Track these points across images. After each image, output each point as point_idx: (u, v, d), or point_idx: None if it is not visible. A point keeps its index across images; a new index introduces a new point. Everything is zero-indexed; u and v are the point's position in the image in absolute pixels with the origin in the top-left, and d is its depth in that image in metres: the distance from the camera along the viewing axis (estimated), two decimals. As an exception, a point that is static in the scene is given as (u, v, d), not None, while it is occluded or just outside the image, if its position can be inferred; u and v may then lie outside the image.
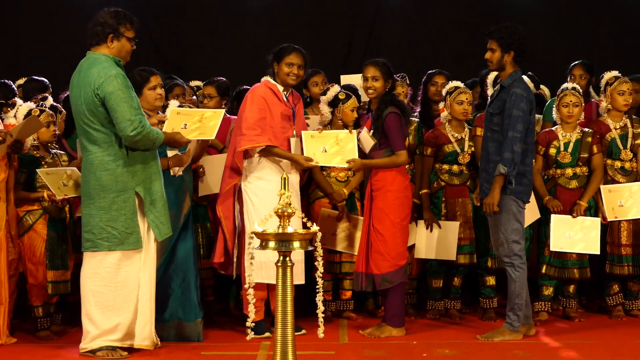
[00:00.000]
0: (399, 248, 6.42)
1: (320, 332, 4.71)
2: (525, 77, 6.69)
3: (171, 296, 6.30)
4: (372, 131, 6.45)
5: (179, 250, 6.34)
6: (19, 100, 6.65)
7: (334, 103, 7.07)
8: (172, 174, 6.28)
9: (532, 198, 6.78)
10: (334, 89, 7.14)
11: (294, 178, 6.51)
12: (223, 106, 7.25)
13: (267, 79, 6.53)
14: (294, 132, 6.52)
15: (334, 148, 6.48)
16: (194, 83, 8.09)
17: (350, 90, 7.28)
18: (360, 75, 6.91)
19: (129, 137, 5.70)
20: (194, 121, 6.22)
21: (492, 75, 7.01)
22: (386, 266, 6.37)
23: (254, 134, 6.34)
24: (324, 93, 7.15)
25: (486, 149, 6.34)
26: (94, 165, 5.78)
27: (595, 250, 6.80)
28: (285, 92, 6.50)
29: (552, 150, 6.94)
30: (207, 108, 7.21)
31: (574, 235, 6.77)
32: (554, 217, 6.80)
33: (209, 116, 6.29)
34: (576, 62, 7.71)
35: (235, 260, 6.49)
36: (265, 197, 6.32)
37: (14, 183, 6.36)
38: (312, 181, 7.07)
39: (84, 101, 5.75)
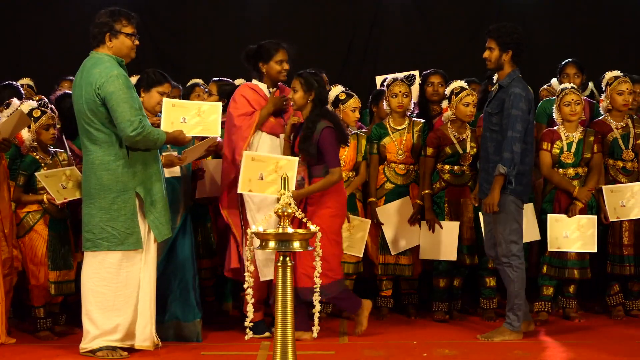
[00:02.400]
0: (335, 263, 6.31)
1: (315, 332, 4.72)
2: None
3: (169, 297, 6.29)
4: (303, 144, 6.25)
5: (176, 251, 6.33)
6: (15, 101, 6.63)
7: (335, 104, 7.08)
8: (165, 174, 6.22)
9: (534, 217, 6.78)
10: (336, 90, 7.14)
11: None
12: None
13: (253, 82, 6.54)
14: (285, 128, 6.51)
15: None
16: (194, 81, 8.09)
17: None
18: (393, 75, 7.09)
19: (129, 137, 5.70)
20: (192, 115, 6.16)
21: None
22: (326, 278, 5.98)
23: (242, 132, 6.36)
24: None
25: (485, 149, 6.34)
26: (94, 165, 5.78)
27: (592, 248, 6.79)
28: (271, 89, 6.51)
29: (555, 150, 6.94)
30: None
31: (571, 234, 6.77)
32: (550, 217, 6.79)
33: (206, 109, 6.22)
34: (568, 60, 7.70)
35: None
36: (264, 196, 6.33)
37: (14, 185, 6.36)
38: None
39: (85, 101, 5.75)
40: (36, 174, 6.31)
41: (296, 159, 6.23)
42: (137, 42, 5.92)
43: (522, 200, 6.31)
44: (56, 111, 6.60)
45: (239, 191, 6.19)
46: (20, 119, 6.11)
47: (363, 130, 7.39)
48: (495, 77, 7.06)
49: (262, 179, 6.14)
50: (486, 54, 6.31)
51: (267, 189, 6.14)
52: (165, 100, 6.22)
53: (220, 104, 6.37)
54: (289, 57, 6.50)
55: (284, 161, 6.19)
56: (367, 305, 6.42)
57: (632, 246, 6.98)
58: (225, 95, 7.41)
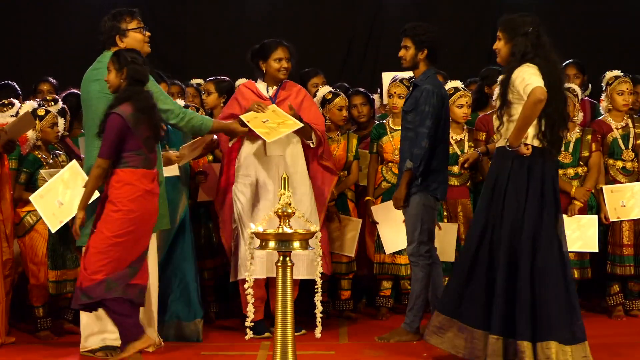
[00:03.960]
0: (99, 262, 5.42)
1: (318, 332, 4.72)
2: None
3: (170, 296, 6.28)
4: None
5: (176, 251, 6.32)
6: (16, 102, 6.66)
7: (322, 104, 7.09)
8: (164, 174, 6.18)
9: None
10: (323, 90, 7.17)
11: (299, 174, 6.47)
12: (222, 104, 7.29)
13: (250, 80, 6.60)
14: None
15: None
16: (195, 81, 8.11)
17: (343, 89, 7.30)
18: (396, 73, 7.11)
19: (174, 126, 5.92)
20: (274, 121, 6.23)
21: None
22: (85, 280, 5.45)
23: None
24: (314, 95, 7.19)
25: (402, 148, 6.31)
26: None
27: (594, 247, 6.79)
28: (273, 87, 6.50)
29: (554, 151, 6.94)
30: (207, 104, 7.31)
31: (571, 234, 6.74)
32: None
33: (290, 123, 6.24)
34: (569, 61, 7.70)
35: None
36: (250, 194, 6.33)
37: (15, 183, 6.37)
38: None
39: (103, 97, 5.70)
40: (41, 171, 6.32)
41: (73, 163, 5.89)
42: (148, 34, 5.97)
43: (437, 198, 6.27)
44: (68, 110, 6.66)
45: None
46: (22, 119, 6.15)
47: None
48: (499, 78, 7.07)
49: (62, 204, 5.85)
50: (401, 52, 6.30)
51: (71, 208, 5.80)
52: (244, 115, 6.23)
53: (300, 124, 6.31)
54: (291, 55, 6.49)
55: (67, 173, 5.93)
56: (144, 341, 5.50)
57: (632, 246, 6.97)
58: (225, 92, 7.44)
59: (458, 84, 7.08)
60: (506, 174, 5.39)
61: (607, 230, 7.03)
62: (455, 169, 7.01)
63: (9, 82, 7.53)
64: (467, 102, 6.98)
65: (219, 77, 7.56)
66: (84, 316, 5.84)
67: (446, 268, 6.96)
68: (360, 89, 7.59)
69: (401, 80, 7.11)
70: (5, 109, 6.57)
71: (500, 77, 5.61)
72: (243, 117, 6.21)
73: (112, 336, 5.81)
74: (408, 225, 6.26)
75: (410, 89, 6.38)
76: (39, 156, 6.46)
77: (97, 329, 5.81)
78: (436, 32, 6.27)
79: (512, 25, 5.53)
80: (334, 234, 6.99)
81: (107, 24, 5.91)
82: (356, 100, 7.44)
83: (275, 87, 6.51)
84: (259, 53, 6.49)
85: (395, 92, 7.07)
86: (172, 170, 6.29)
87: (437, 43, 6.27)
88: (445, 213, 6.99)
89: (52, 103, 6.65)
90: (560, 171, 6.89)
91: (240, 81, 7.90)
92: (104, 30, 5.91)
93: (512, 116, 5.38)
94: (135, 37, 5.91)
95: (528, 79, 5.29)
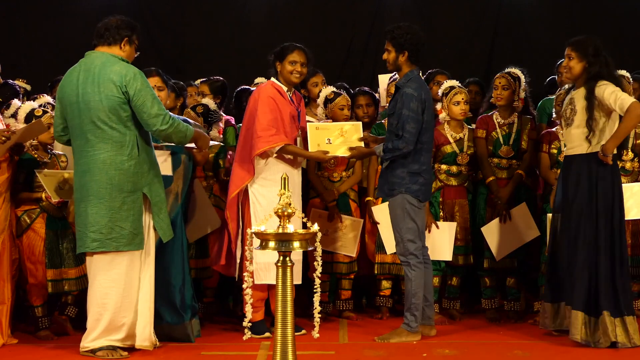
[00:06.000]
0: None
1: (315, 332, 4.72)
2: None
3: (157, 300, 6.21)
4: None
5: (165, 253, 6.25)
6: (16, 101, 6.67)
7: (325, 103, 7.10)
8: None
9: (529, 215, 6.76)
10: (326, 90, 7.17)
11: (297, 178, 6.50)
12: (216, 104, 7.30)
13: (272, 80, 6.53)
14: (299, 133, 6.54)
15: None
16: (199, 81, 8.12)
17: (342, 89, 7.31)
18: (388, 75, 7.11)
19: (161, 132, 5.77)
20: (335, 135, 6.44)
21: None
22: None
23: (269, 134, 6.32)
24: (318, 95, 7.19)
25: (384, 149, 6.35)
26: (106, 165, 5.75)
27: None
28: (289, 92, 6.51)
29: (553, 151, 6.94)
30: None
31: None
32: (549, 217, 6.77)
33: (348, 129, 6.46)
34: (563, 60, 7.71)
35: (238, 261, 6.47)
36: (274, 198, 6.31)
37: (14, 183, 6.38)
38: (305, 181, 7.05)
39: (105, 97, 5.71)
40: (36, 171, 6.33)
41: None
42: (137, 54, 5.99)
43: (419, 200, 6.27)
44: None
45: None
46: (34, 125, 6.22)
47: None
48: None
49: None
50: (384, 56, 6.31)
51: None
52: (309, 124, 6.48)
53: (360, 124, 6.58)
54: (307, 61, 6.50)
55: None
56: None
57: (631, 246, 6.95)
58: (219, 92, 7.44)
59: (453, 83, 7.05)
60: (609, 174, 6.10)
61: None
62: (454, 168, 7.02)
63: (9, 81, 7.53)
64: (463, 99, 6.95)
65: (212, 78, 7.54)
66: (92, 316, 5.82)
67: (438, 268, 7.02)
68: (366, 89, 7.59)
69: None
70: (4, 110, 6.58)
71: (574, 91, 6.16)
72: (328, 152, 6.47)
73: (112, 336, 5.82)
74: (393, 226, 6.28)
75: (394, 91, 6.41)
76: (36, 156, 6.46)
77: (103, 329, 5.80)
78: (416, 33, 6.24)
79: (584, 46, 6.11)
80: (334, 234, 6.99)
81: (120, 24, 5.87)
82: (362, 101, 7.44)
83: (289, 92, 6.52)
84: (277, 53, 6.51)
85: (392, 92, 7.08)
86: (163, 170, 6.26)
87: (418, 44, 6.23)
88: (441, 213, 6.99)
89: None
90: (559, 171, 6.84)
91: (259, 80, 7.87)
92: (114, 26, 5.85)
93: (600, 127, 6.01)
94: (132, 52, 5.94)
95: (619, 94, 5.93)
